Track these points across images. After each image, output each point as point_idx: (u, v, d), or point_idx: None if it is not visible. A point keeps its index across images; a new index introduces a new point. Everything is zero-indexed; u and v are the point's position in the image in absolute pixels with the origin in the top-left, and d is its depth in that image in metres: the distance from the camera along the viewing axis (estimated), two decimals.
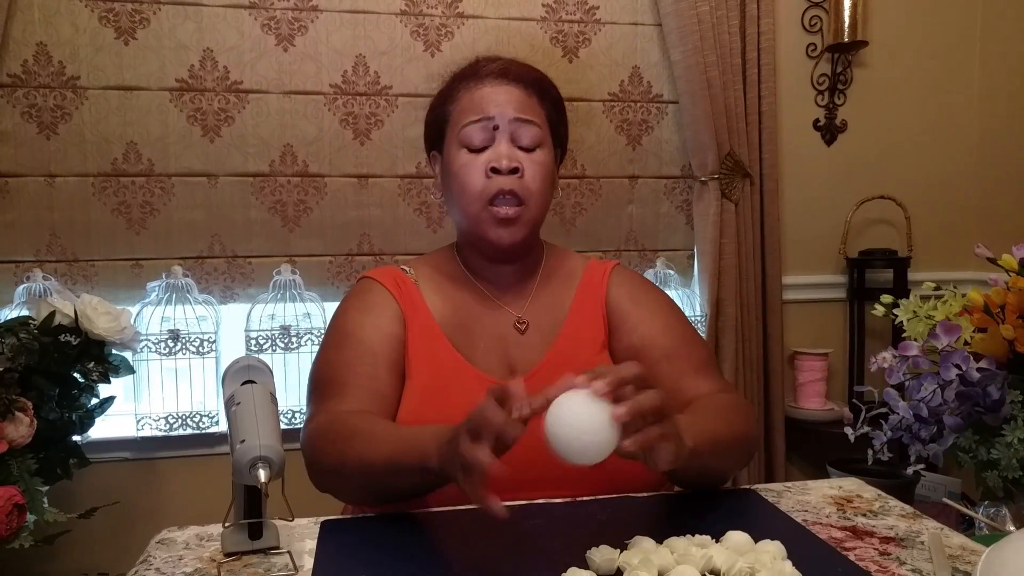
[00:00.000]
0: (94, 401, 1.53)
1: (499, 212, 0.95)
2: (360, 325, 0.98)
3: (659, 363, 0.97)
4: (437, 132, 1.05)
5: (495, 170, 0.95)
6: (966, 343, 0.93)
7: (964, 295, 0.97)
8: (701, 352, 1.01)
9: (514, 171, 0.95)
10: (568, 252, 1.13)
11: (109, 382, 1.53)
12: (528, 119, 0.98)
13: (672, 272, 1.98)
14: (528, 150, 0.98)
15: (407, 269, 1.06)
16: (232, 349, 1.79)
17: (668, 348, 0.98)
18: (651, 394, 0.64)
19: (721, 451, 0.81)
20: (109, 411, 1.57)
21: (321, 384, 0.95)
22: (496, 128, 0.97)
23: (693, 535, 0.70)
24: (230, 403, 0.72)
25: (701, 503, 0.82)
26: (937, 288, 1.07)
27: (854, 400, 1.29)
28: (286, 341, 1.76)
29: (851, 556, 0.70)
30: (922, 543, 0.73)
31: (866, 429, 1.01)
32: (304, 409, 1.79)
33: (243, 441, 0.65)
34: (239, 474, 0.65)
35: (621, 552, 0.66)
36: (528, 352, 1.00)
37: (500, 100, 0.98)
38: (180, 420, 1.73)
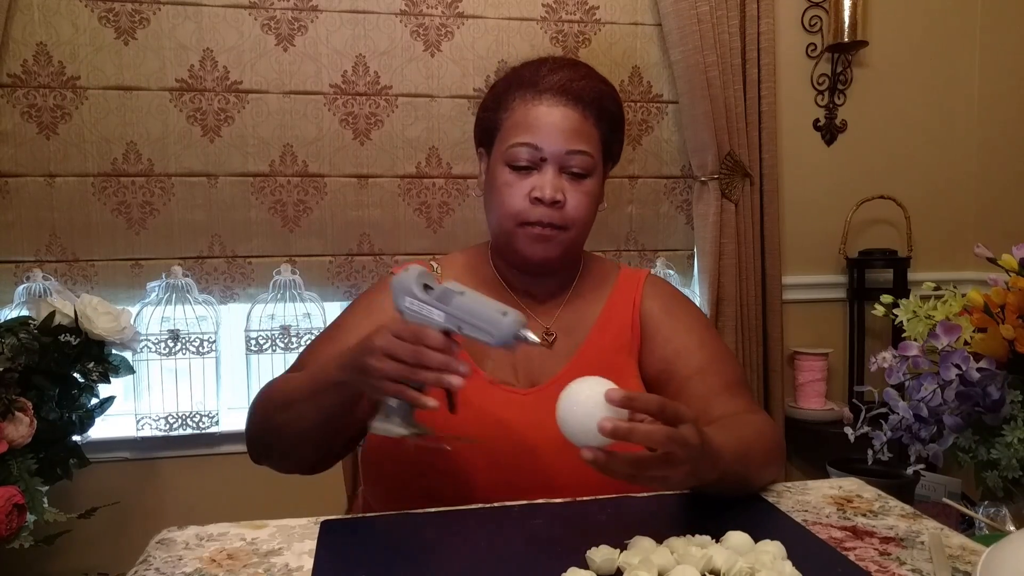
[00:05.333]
0: (94, 401, 1.53)
1: (534, 231, 0.94)
2: (357, 326, 0.96)
3: (691, 379, 0.96)
4: (486, 135, 1.01)
5: (538, 199, 0.93)
6: (966, 343, 0.92)
7: (964, 295, 0.97)
8: (733, 371, 0.99)
9: (556, 203, 0.93)
10: (603, 260, 1.12)
11: (109, 382, 1.53)
12: (580, 150, 0.94)
13: (672, 272, 1.98)
14: (576, 179, 0.95)
15: (436, 267, 1.04)
16: (232, 349, 1.79)
17: (701, 364, 0.97)
18: (658, 428, 0.63)
19: (743, 474, 0.80)
20: (109, 411, 1.58)
21: (292, 368, 0.97)
22: (544, 160, 0.93)
23: (693, 535, 0.69)
24: (446, 296, 0.72)
25: (701, 503, 0.82)
26: (937, 288, 1.07)
27: (854, 400, 1.30)
28: (286, 341, 1.76)
29: (851, 556, 0.70)
30: (922, 543, 0.73)
31: (866, 429, 1.01)
32: None
33: (505, 314, 0.70)
34: (503, 342, 0.69)
35: (621, 552, 0.66)
36: (552, 363, 0.99)
37: (554, 126, 0.93)
38: (180, 420, 1.73)
